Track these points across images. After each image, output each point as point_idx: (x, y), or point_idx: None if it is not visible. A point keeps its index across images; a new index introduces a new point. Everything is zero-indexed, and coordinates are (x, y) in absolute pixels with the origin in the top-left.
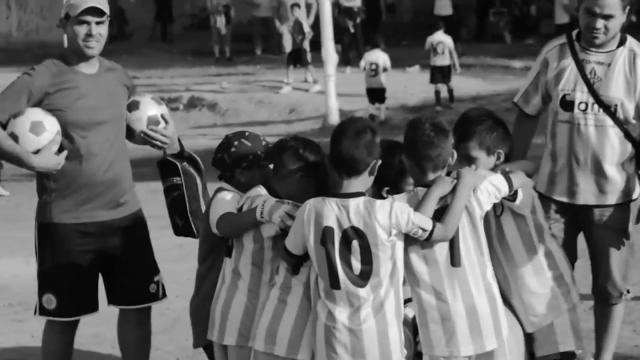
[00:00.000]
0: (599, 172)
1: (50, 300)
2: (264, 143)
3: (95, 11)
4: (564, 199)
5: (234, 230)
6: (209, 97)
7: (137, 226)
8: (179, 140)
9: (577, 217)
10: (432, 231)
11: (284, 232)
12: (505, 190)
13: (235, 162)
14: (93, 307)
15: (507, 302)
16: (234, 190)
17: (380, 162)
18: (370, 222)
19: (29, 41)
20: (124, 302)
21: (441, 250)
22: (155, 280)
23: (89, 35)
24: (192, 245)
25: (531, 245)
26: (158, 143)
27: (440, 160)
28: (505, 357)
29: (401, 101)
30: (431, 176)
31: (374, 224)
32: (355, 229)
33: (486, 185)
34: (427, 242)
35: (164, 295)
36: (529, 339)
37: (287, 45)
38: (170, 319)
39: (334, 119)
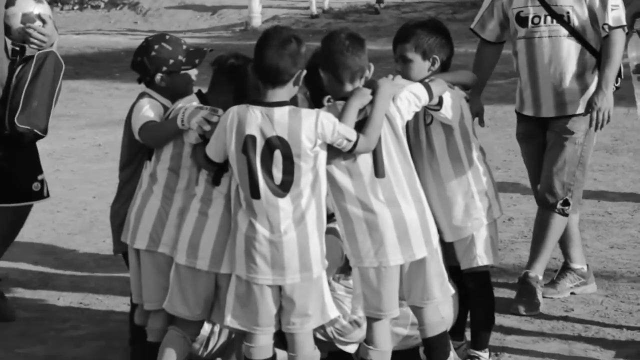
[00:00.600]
0: (558, 84)
1: None
2: (184, 47)
3: None
4: (530, 113)
5: (156, 139)
6: None
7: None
8: None
9: (543, 132)
10: (356, 142)
11: (204, 140)
12: (425, 98)
13: (155, 66)
14: None
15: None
16: (157, 96)
17: (305, 72)
18: (295, 132)
19: None
20: (6, 199)
21: (364, 161)
22: (39, 179)
23: None
24: (110, 146)
25: (457, 157)
26: (35, 41)
27: (357, 70)
28: (438, 265)
29: (324, 5)
30: (349, 87)
31: (299, 134)
32: (279, 138)
33: (406, 94)
34: (350, 154)
35: (48, 194)
36: (449, 251)
37: None
38: (87, 220)
39: (257, 21)
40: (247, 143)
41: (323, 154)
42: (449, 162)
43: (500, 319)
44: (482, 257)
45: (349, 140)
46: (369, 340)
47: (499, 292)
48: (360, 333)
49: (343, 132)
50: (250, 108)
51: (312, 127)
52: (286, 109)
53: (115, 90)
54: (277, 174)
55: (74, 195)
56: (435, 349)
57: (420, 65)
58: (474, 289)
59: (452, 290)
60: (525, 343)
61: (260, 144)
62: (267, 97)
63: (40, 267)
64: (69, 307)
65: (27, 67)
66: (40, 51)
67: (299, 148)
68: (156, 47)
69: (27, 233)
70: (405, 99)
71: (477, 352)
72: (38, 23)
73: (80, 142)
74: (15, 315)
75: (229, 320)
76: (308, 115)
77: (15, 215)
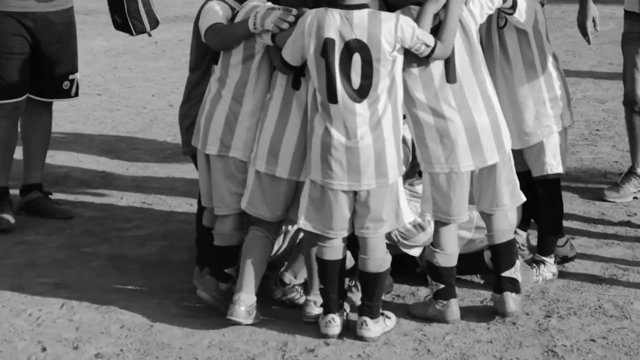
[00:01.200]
0: None
1: None
2: None
3: None
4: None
5: (223, 42)
6: None
7: (65, 23)
8: None
9: None
10: (433, 48)
11: (276, 45)
12: (498, 0)
13: None
14: (26, 91)
15: None
16: None
17: None
18: (375, 35)
19: None
20: (37, 92)
21: (436, 67)
22: (70, 79)
23: None
24: (166, 43)
25: (530, 62)
26: None
27: None
28: (510, 172)
29: None
30: None
31: (379, 37)
32: (358, 41)
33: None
34: (424, 60)
35: (77, 94)
36: (517, 157)
37: None
38: (147, 118)
39: None
40: (326, 46)
41: (400, 59)
42: (522, 67)
43: (565, 222)
44: (551, 165)
45: (427, 46)
46: (435, 243)
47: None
48: (424, 237)
49: (422, 36)
50: (329, 11)
51: (391, 31)
52: (365, 11)
53: None
54: (356, 78)
55: (133, 93)
56: (502, 256)
57: None
58: (544, 196)
59: (523, 198)
60: (589, 247)
61: (339, 47)
62: None
63: (102, 166)
64: (132, 207)
65: None
66: None
67: (378, 51)
68: None
69: (88, 131)
70: (477, 2)
71: (544, 257)
72: None
73: (136, 40)
74: (72, 212)
75: (302, 223)
76: (388, 19)
77: (42, 109)
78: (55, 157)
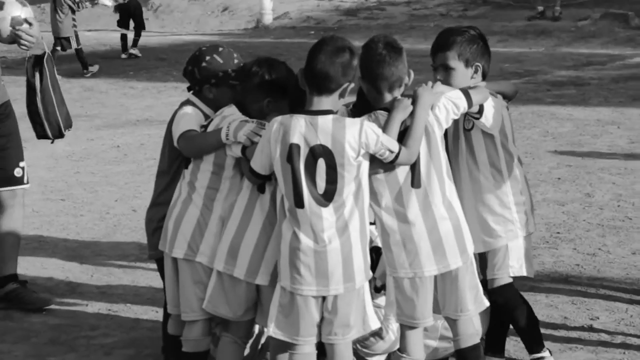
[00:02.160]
0: None
1: None
2: (236, 61)
3: None
4: None
5: (196, 150)
6: None
7: (6, 114)
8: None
9: None
10: (398, 154)
11: (245, 155)
12: (463, 105)
13: (204, 77)
14: None
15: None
16: (201, 105)
17: (352, 85)
18: (339, 140)
19: None
20: None
21: (402, 172)
22: (21, 166)
23: None
24: (128, 147)
25: (497, 165)
26: (24, 42)
27: (395, 80)
28: (473, 276)
29: (335, 3)
30: (387, 97)
31: (343, 142)
32: (322, 147)
33: (444, 102)
34: (389, 165)
35: (27, 181)
36: (482, 263)
37: None
38: (110, 224)
39: (268, 18)
40: (291, 151)
41: (366, 164)
42: (488, 170)
43: None
44: (514, 268)
45: (392, 152)
46: (402, 348)
47: None
48: (383, 345)
49: (386, 142)
50: (295, 117)
51: (355, 136)
52: (330, 117)
53: (130, 89)
54: (321, 183)
55: (96, 199)
56: None
57: (463, 73)
58: (506, 303)
59: (487, 303)
60: (553, 352)
61: (304, 152)
62: (313, 105)
63: (67, 272)
64: (98, 314)
65: (44, 71)
66: (34, 52)
67: (342, 157)
68: (207, 58)
69: (52, 237)
70: (444, 107)
71: (537, 354)
72: (25, 26)
73: (98, 144)
74: (51, 300)
75: (272, 331)
76: (352, 124)
77: (10, 201)
78: (20, 264)
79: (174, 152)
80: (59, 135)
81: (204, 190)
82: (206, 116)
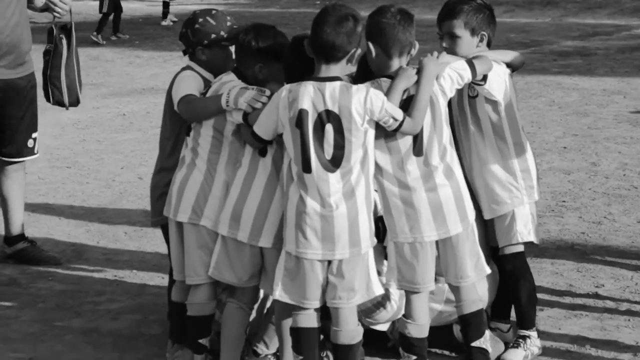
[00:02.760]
0: None
1: None
2: (229, 24)
3: None
4: None
5: (195, 114)
6: None
7: (29, 87)
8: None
9: None
10: (402, 122)
11: (247, 121)
12: (468, 76)
13: (197, 39)
14: None
15: (469, 186)
16: (200, 69)
17: (359, 51)
18: (346, 106)
19: None
20: (4, 153)
21: (404, 139)
22: (33, 137)
23: None
24: (134, 115)
25: (501, 132)
26: (59, 10)
27: (406, 45)
28: (473, 244)
29: None
30: (396, 62)
31: (350, 108)
32: (330, 112)
33: (449, 72)
34: (392, 132)
35: (37, 152)
36: (490, 230)
37: None
38: (116, 191)
39: None
40: (300, 117)
41: (372, 132)
42: (492, 137)
43: None
44: (522, 234)
45: (395, 120)
46: (407, 313)
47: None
48: (386, 315)
49: (390, 110)
50: (303, 84)
51: (361, 102)
52: (337, 83)
53: (136, 58)
54: (329, 149)
55: (102, 166)
56: (470, 326)
57: (469, 42)
58: (513, 271)
59: (488, 270)
60: (558, 319)
61: (312, 117)
62: (321, 72)
63: (73, 238)
64: (104, 280)
65: (71, 39)
66: (60, 20)
67: (349, 122)
68: (200, 20)
69: (58, 204)
70: (448, 77)
71: (527, 331)
72: None
73: (104, 112)
74: (60, 260)
75: (279, 294)
76: (358, 91)
77: (16, 167)
78: (27, 231)
79: (176, 117)
80: (76, 102)
81: (207, 155)
82: (205, 80)
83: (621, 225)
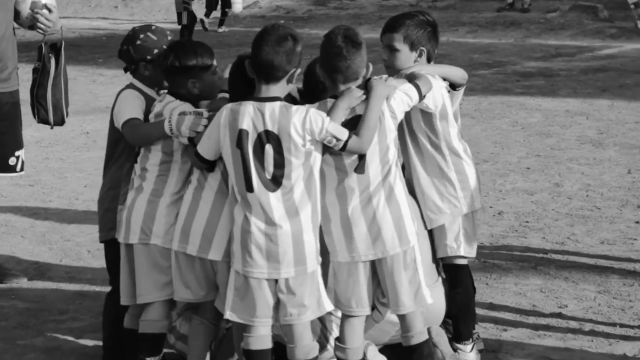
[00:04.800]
0: None
1: None
2: (169, 38)
3: None
4: None
5: (140, 140)
6: None
7: (12, 102)
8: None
9: None
10: (346, 141)
11: (192, 142)
12: (415, 97)
13: (139, 55)
14: None
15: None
16: (142, 86)
17: (299, 71)
18: (285, 126)
19: None
20: None
21: (348, 158)
22: (16, 155)
23: None
24: (97, 134)
25: (437, 143)
26: (41, 26)
27: (350, 73)
28: (414, 270)
29: None
30: (342, 88)
31: (288, 128)
32: (269, 132)
33: (400, 95)
34: (340, 151)
35: (22, 169)
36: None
37: None
38: (79, 209)
39: (238, 7)
40: (241, 137)
41: (317, 153)
42: (429, 147)
43: (497, 314)
44: (452, 248)
45: (339, 140)
46: (340, 337)
47: (493, 288)
48: (327, 355)
49: (332, 130)
50: (244, 104)
51: (300, 122)
52: (277, 104)
53: (99, 76)
54: (269, 168)
55: (65, 184)
56: (418, 357)
57: (407, 56)
58: (449, 280)
59: (429, 300)
60: (521, 340)
61: (252, 137)
62: (261, 92)
63: (36, 257)
64: (67, 298)
65: (59, 58)
66: (50, 38)
67: (288, 142)
68: (142, 36)
69: (21, 222)
70: (399, 99)
71: (457, 344)
72: (45, 11)
73: (67, 130)
74: (22, 277)
75: (229, 314)
76: (297, 111)
77: None
78: None
79: (117, 133)
80: (61, 122)
81: (154, 178)
82: (147, 97)
83: (584, 246)
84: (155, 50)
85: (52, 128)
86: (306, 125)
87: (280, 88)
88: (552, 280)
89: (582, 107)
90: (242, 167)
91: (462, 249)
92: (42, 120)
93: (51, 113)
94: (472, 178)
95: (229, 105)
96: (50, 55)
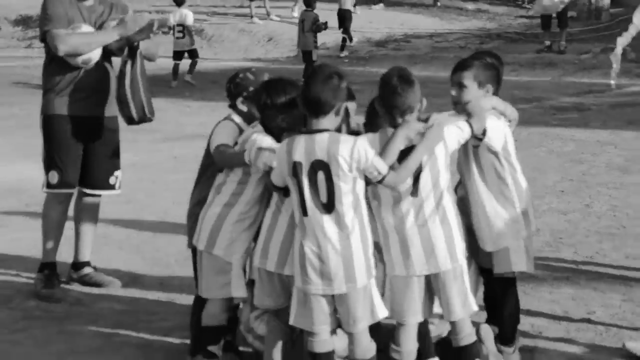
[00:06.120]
0: None
1: (53, 176)
2: (266, 78)
3: None
4: None
5: (225, 163)
6: (197, 25)
7: (112, 127)
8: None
9: None
10: (384, 176)
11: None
12: (468, 132)
13: (237, 92)
14: (77, 183)
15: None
16: (238, 119)
17: (345, 104)
18: (333, 154)
19: None
20: (89, 184)
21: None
22: (115, 175)
23: None
24: (184, 158)
25: (502, 176)
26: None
27: (405, 107)
28: (462, 282)
29: (367, 35)
30: (399, 120)
31: (337, 156)
32: (320, 161)
33: (454, 130)
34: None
35: (119, 188)
36: (488, 257)
37: None
38: (170, 224)
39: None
40: (295, 168)
41: (361, 182)
42: (496, 181)
43: (533, 319)
44: (517, 264)
45: (379, 173)
46: (394, 340)
47: (529, 296)
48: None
49: (375, 163)
50: (296, 137)
51: (348, 151)
52: (326, 134)
53: (186, 107)
54: (322, 194)
55: (156, 202)
56: (465, 357)
57: (475, 92)
58: (500, 290)
59: (475, 308)
60: (555, 341)
61: (306, 167)
62: (312, 125)
63: (130, 266)
64: (157, 301)
65: (135, 61)
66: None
67: (337, 169)
68: (241, 75)
69: (118, 235)
70: (454, 134)
71: (503, 346)
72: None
73: (158, 155)
74: (118, 283)
75: (293, 320)
76: (346, 141)
77: (93, 199)
78: (90, 258)
79: (208, 160)
80: (143, 116)
81: (230, 193)
82: (240, 129)
83: (611, 260)
84: (251, 88)
85: (138, 124)
86: (354, 154)
87: (329, 121)
88: (582, 289)
89: (610, 138)
90: (298, 193)
91: (527, 266)
92: (128, 118)
93: (133, 110)
94: (530, 204)
95: (286, 139)
96: (126, 59)
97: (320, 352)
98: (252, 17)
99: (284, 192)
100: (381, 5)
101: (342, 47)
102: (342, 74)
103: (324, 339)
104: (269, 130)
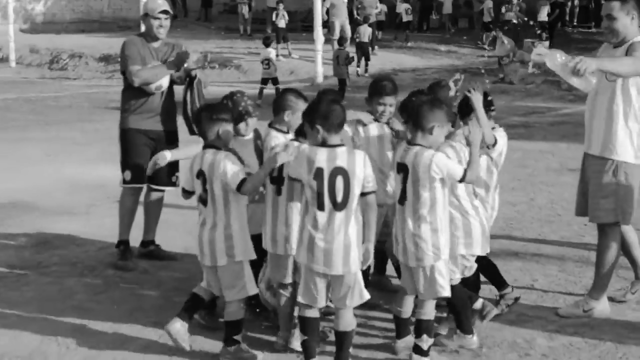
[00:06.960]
0: None
1: (128, 175)
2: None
3: (165, 12)
4: None
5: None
6: (235, 61)
7: (173, 138)
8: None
9: None
10: (373, 191)
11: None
12: (459, 175)
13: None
14: (146, 180)
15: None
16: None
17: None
18: (352, 164)
19: (115, 16)
20: (155, 182)
21: (396, 189)
22: (176, 175)
23: (160, 26)
24: None
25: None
26: (193, 66)
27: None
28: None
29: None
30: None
31: (354, 166)
32: (341, 168)
33: (454, 164)
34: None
35: (178, 185)
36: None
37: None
38: None
39: (320, 79)
40: (318, 172)
41: (357, 188)
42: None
43: (490, 286)
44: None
45: (372, 185)
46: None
47: None
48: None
49: (370, 177)
50: (317, 149)
51: (361, 164)
52: (344, 148)
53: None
54: (339, 194)
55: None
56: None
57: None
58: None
59: (445, 293)
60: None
61: (327, 172)
62: (329, 141)
63: (185, 244)
64: None
65: (193, 89)
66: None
67: (354, 176)
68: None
69: (176, 219)
70: (451, 164)
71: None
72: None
73: None
74: (176, 257)
75: (300, 297)
76: (359, 155)
77: (158, 193)
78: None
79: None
80: None
81: (224, 216)
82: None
83: (550, 241)
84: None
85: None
86: (367, 169)
87: (341, 135)
88: (527, 262)
89: (549, 148)
90: (317, 192)
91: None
92: (190, 129)
93: (195, 126)
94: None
95: (306, 149)
96: (187, 89)
97: (310, 317)
98: (277, 55)
99: (277, 190)
100: (376, 48)
101: (366, 70)
102: (338, 98)
103: (314, 310)
104: (304, 134)
